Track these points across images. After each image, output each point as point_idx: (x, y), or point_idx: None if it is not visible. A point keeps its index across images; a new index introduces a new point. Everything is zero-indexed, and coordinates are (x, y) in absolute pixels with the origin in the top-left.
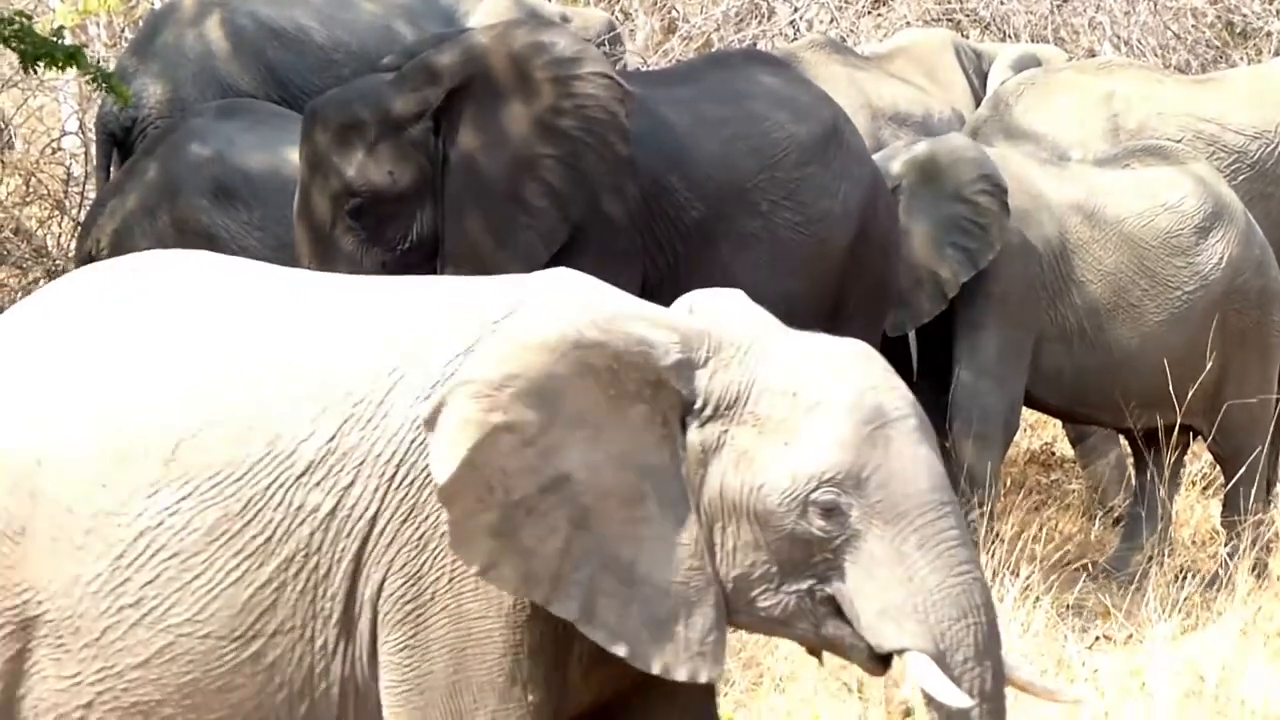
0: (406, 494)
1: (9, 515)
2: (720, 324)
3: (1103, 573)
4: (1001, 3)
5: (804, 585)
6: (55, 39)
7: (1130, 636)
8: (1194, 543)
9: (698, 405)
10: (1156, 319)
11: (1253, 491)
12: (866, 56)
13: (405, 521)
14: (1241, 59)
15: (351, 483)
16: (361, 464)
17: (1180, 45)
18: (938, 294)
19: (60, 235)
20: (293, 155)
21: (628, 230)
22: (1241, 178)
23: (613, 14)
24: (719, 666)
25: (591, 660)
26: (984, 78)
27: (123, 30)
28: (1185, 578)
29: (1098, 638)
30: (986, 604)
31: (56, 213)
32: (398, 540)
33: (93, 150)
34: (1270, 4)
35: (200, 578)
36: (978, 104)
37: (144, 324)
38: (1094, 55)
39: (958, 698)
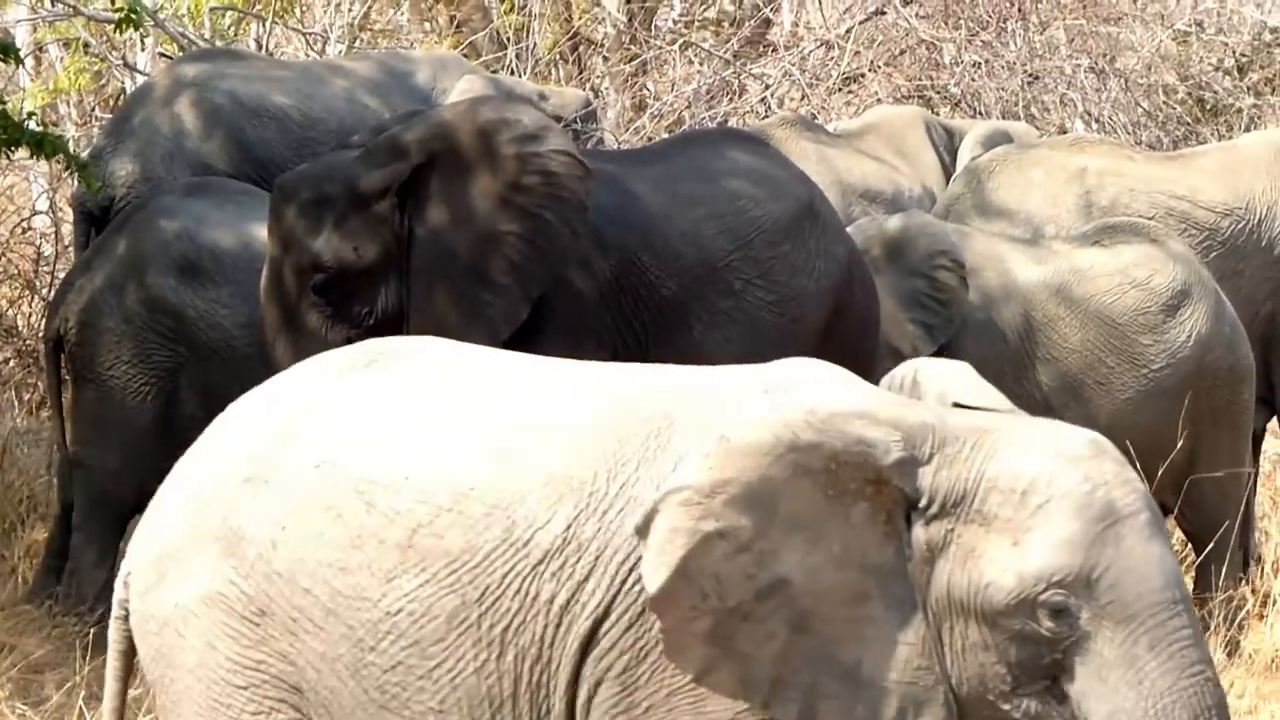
0: (635, 600)
1: (246, 599)
2: (944, 417)
3: None
4: (973, 80)
5: (1039, 686)
6: (25, 122)
7: None
8: None
9: (922, 503)
10: (1124, 396)
11: (1224, 568)
12: (837, 134)
13: (629, 629)
14: (1212, 135)
15: (586, 577)
16: (598, 558)
17: (1151, 122)
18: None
19: (30, 315)
20: (261, 232)
21: (596, 307)
22: (1213, 254)
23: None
24: None
25: None
26: (955, 154)
27: (93, 109)
28: None
29: None
30: (1219, 705)
31: (27, 292)
32: (619, 646)
33: (63, 229)
34: (1240, 81)
35: (441, 666)
36: (948, 180)
37: (375, 409)
38: (1065, 132)
39: None
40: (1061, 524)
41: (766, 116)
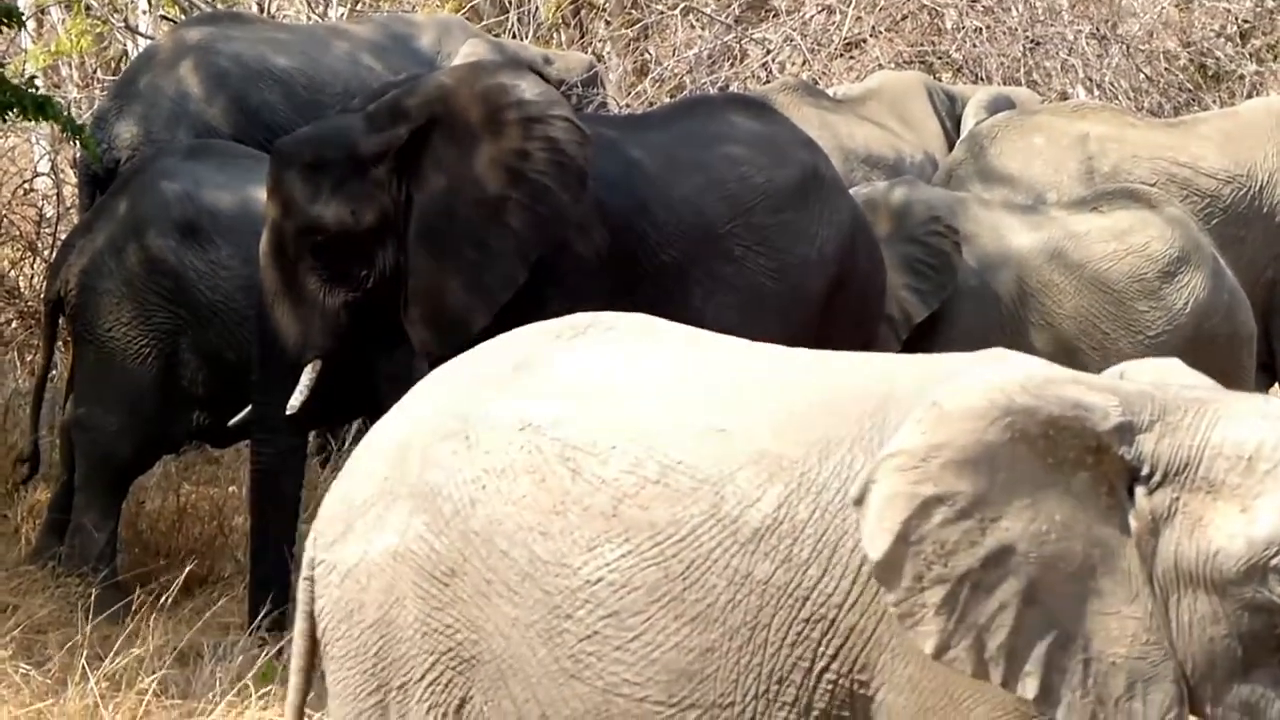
0: (870, 585)
1: (438, 556)
2: (1162, 387)
3: None
4: (974, 45)
5: (1271, 662)
6: (27, 87)
7: None
8: None
9: (1144, 471)
10: (1121, 362)
11: None
12: (839, 99)
13: (867, 615)
14: (1214, 102)
15: (808, 561)
16: (820, 542)
17: (1153, 88)
18: (890, 335)
19: (33, 276)
20: (261, 195)
21: (596, 273)
22: (1215, 221)
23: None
24: None
25: None
26: (957, 120)
27: (94, 71)
28: None
29: None
30: None
31: (29, 254)
32: (858, 635)
33: (65, 191)
34: (1242, 47)
35: (639, 639)
36: (950, 146)
37: (584, 376)
38: (1066, 98)
39: None
40: None
41: (768, 82)
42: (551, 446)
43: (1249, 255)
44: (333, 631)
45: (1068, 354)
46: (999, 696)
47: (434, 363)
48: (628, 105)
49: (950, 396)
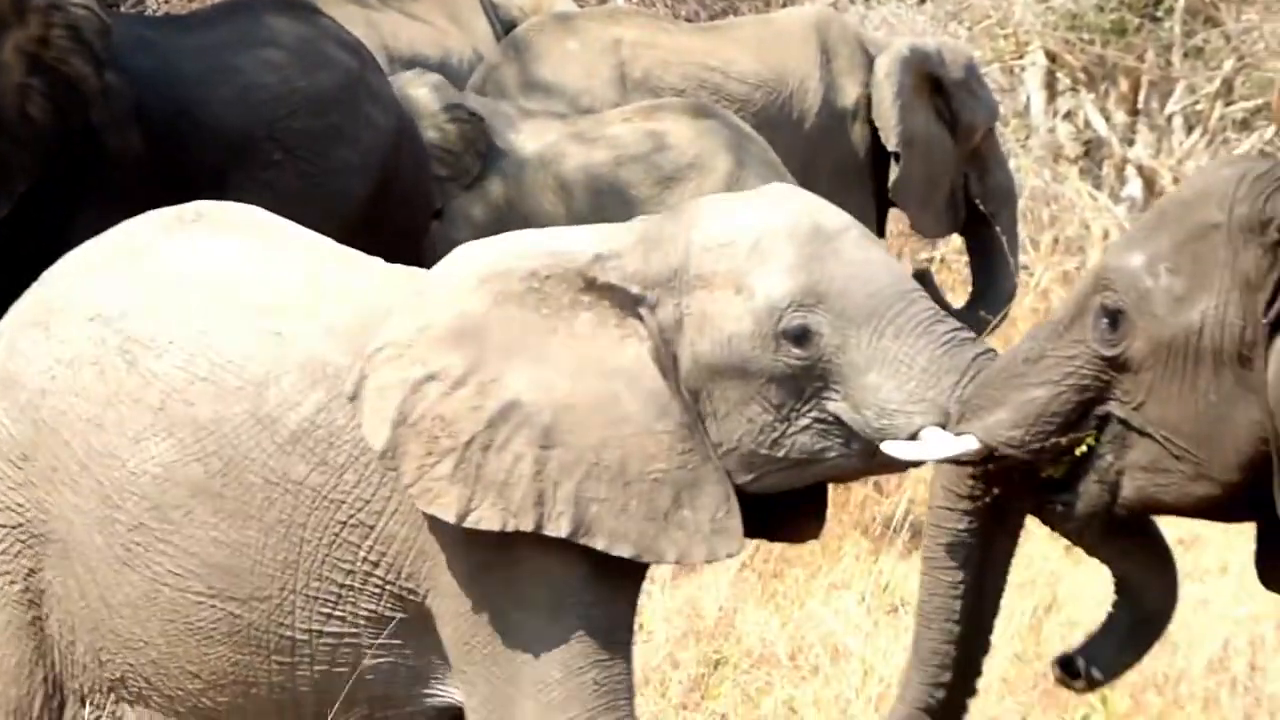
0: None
1: (14, 440)
2: (649, 217)
3: None
4: None
5: (808, 418)
6: None
7: None
8: None
9: (639, 290)
10: None
11: None
12: None
13: (422, 529)
14: (749, 9)
15: (344, 466)
16: (356, 449)
17: None
18: None
19: None
20: None
21: (133, 173)
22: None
23: None
24: (735, 541)
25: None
26: (509, 24)
27: None
28: None
29: None
30: (979, 355)
31: None
32: (392, 537)
33: None
34: None
35: (181, 532)
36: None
37: (162, 269)
38: (604, 2)
39: (967, 443)
40: (776, 255)
41: None
42: (114, 338)
43: (781, 159)
44: None
45: None
46: (538, 599)
47: None
48: (181, 7)
49: (431, 279)
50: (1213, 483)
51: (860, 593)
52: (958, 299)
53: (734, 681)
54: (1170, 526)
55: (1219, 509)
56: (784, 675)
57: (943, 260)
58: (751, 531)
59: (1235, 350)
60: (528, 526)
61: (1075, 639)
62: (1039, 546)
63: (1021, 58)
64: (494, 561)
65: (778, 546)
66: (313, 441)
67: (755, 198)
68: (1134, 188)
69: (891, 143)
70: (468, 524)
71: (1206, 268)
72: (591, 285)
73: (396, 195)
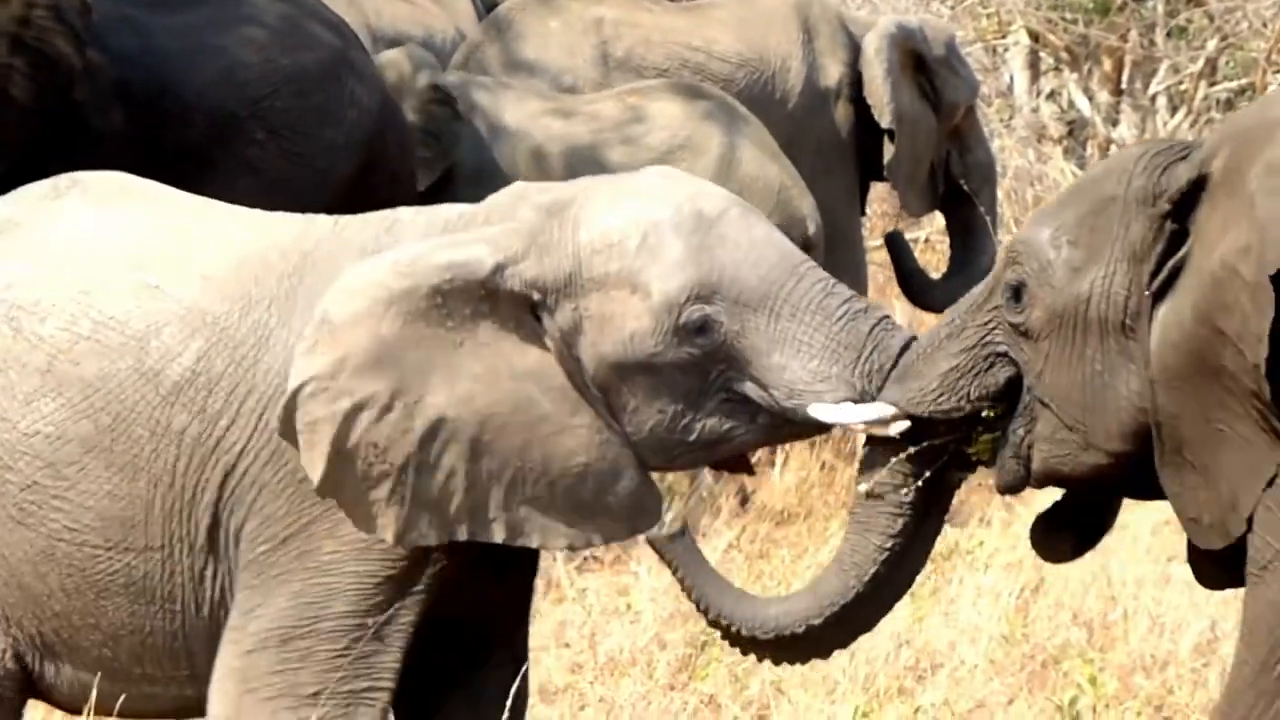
0: (271, 437)
1: None
2: (518, 214)
3: None
4: None
5: (716, 401)
6: None
7: (617, 558)
8: None
9: (538, 297)
10: None
11: None
12: None
13: (268, 464)
14: None
15: (220, 412)
16: (232, 395)
17: None
18: None
19: None
20: None
21: (116, 152)
22: None
23: None
24: (654, 516)
25: (441, 592)
26: (491, 4)
27: None
28: (672, 500)
29: (586, 558)
30: (879, 325)
31: None
32: (259, 481)
33: None
34: None
35: (75, 488)
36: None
37: (43, 236)
38: None
39: (885, 409)
40: (665, 250)
41: None
42: (0, 309)
43: None
44: None
45: None
46: (346, 532)
47: None
48: None
49: (335, 308)
50: (1100, 452)
51: None
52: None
53: (721, 662)
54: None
55: (1115, 482)
56: None
57: (927, 240)
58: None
59: (1119, 320)
60: (464, 536)
61: (1062, 621)
62: (1025, 528)
63: (1004, 37)
64: (331, 516)
65: (764, 528)
66: (193, 391)
67: (630, 188)
68: None
69: (885, 120)
70: (407, 544)
71: (1101, 239)
72: (492, 295)
73: (381, 175)
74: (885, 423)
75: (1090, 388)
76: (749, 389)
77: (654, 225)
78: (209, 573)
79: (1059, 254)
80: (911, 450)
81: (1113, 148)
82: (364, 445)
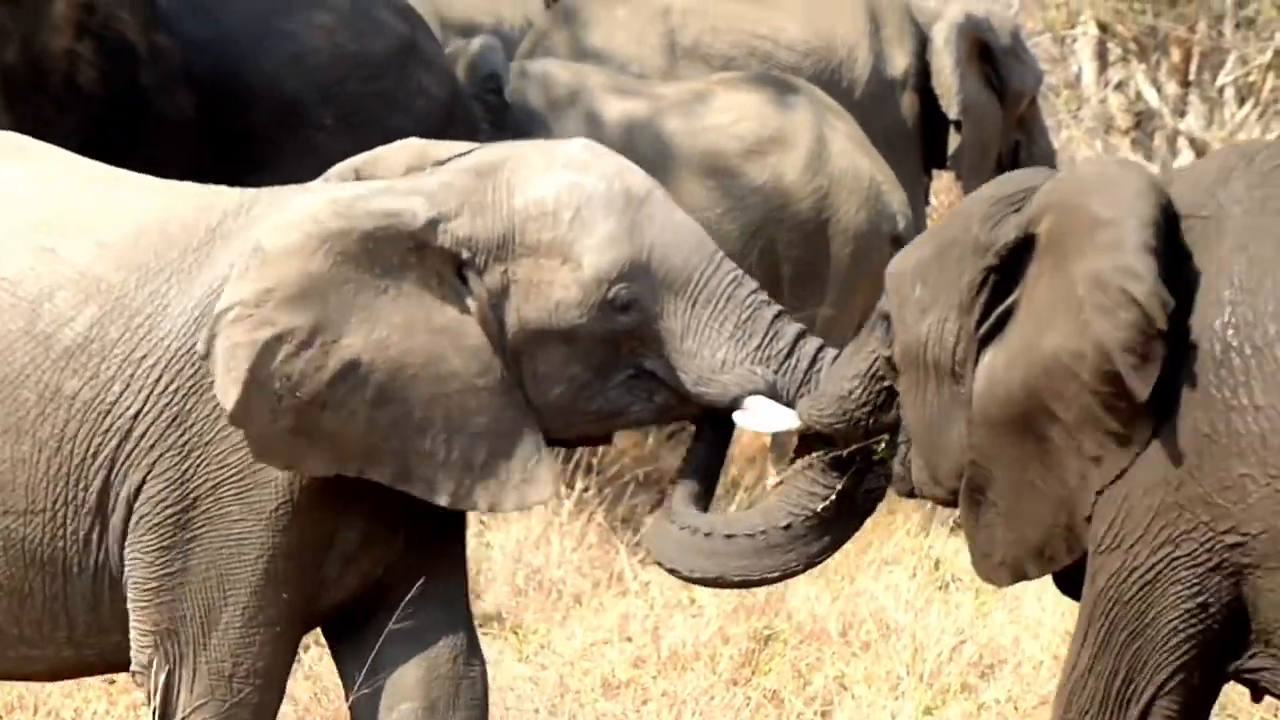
0: (172, 400)
1: None
2: (455, 173)
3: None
4: None
5: (623, 375)
6: None
7: None
8: (746, 459)
9: (467, 255)
10: None
11: None
12: None
13: (170, 427)
14: None
15: (113, 377)
16: (126, 360)
17: None
18: None
19: None
20: None
21: (182, 136)
22: None
23: None
24: (546, 489)
25: (350, 557)
26: None
27: None
28: (735, 491)
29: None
30: (777, 316)
31: None
32: (160, 445)
33: None
34: None
35: None
36: None
37: None
38: None
39: (789, 419)
40: (598, 225)
41: None
42: None
43: None
44: None
45: None
46: (254, 498)
47: None
48: None
49: (269, 239)
50: (941, 489)
51: (910, 568)
52: None
53: (784, 657)
54: None
55: None
56: (834, 651)
57: None
58: None
59: (949, 365)
60: (353, 472)
61: None
62: None
63: (1073, 27)
64: (239, 480)
65: None
66: (85, 356)
67: (561, 156)
68: (1186, 160)
69: (953, 111)
70: (293, 470)
71: (944, 282)
72: (421, 247)
73: None
74: (793, 433)
75: (931, 429)
76: (658, 367)
77: (587, 198)
78: (94, 537)
79: (913, 292)
80: (823, 454)
81: (1180, 139)
82: (278, 376)
